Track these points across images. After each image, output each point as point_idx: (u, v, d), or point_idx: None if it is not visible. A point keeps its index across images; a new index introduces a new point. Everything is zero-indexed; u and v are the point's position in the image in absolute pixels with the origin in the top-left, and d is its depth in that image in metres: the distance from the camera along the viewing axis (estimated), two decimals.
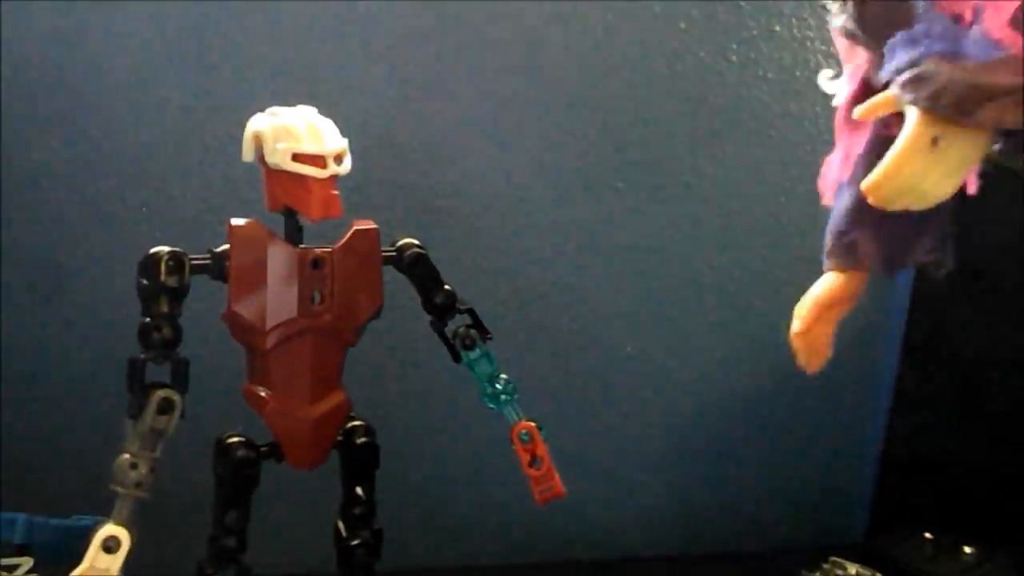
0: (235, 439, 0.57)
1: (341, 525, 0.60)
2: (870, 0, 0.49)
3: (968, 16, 0.44)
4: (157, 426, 0.54)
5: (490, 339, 0.60)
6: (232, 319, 0.56)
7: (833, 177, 0.57)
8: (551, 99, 0.81)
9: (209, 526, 0.57)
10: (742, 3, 0.83)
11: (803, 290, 0.59)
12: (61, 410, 0.77)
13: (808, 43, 0.85)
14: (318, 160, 0.54)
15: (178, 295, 0.55)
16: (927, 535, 0.82)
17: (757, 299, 0.88)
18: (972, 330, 0.86)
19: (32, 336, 0.76)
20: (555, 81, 0.81)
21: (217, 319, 0.56)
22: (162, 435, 0.54)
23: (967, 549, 0.79)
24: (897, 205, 0.47)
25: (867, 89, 0.52)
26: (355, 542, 0.59)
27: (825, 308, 0.57)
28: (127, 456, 0.53)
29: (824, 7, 0.53)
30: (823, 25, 0.84)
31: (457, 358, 0.60)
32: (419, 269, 0.59)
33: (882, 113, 0.48)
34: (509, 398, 0.60)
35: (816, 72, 0.84)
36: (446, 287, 0.60)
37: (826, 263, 0.58)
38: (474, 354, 0.60)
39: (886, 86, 0.47)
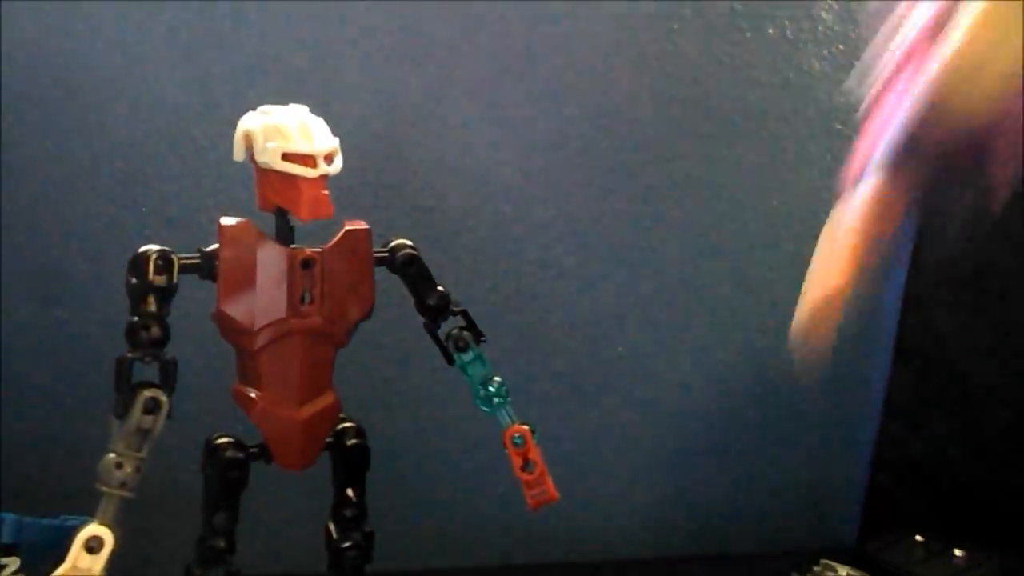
0: (224, 440, 0.56)
1: (332, 527, 0.60)
2: None
3: None
4: (143, 426, 0.53)
5: (484, 341, 0.60)
6: (221, 319, 0.55)
7: (873, 131, 0.49)
8: (543, 100, 0.81)
9: (198, 527, 0.56)
10: (735, 5, 0.83)
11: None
12: (55, 410, 0.77)
13: (801, 45, 0.85)
14: (308, 160, 0.53)
15: (166, 294, 0.54)
16: (918, 538, 0.82)
17: (749, 301, 0.88)
18: (964, 333, 0.86)
19: (27, 336, 0.76)
20: (548, 82, 0.81)
21: (207, 319, 0.55)
22: (148, 435, 0.53)
23: (958, 552, 0.79)
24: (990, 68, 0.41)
25: (937, 27, 0.46)
26: (346, 544, 0.59)
27: (867, 232, 0.47)
28: (112, 456, 0.53)
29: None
30: (816, 27, 0.84)
31: (450, 360, 0.60)
32: (412, 270, 0.59)
33: None
34: (502, 401, 0.59)
35: (809, 74, 0.84)
36: (439, 288, 0.59)
37: (865, 179, 0.48)
38: (467, 356, 0.59)
39: None
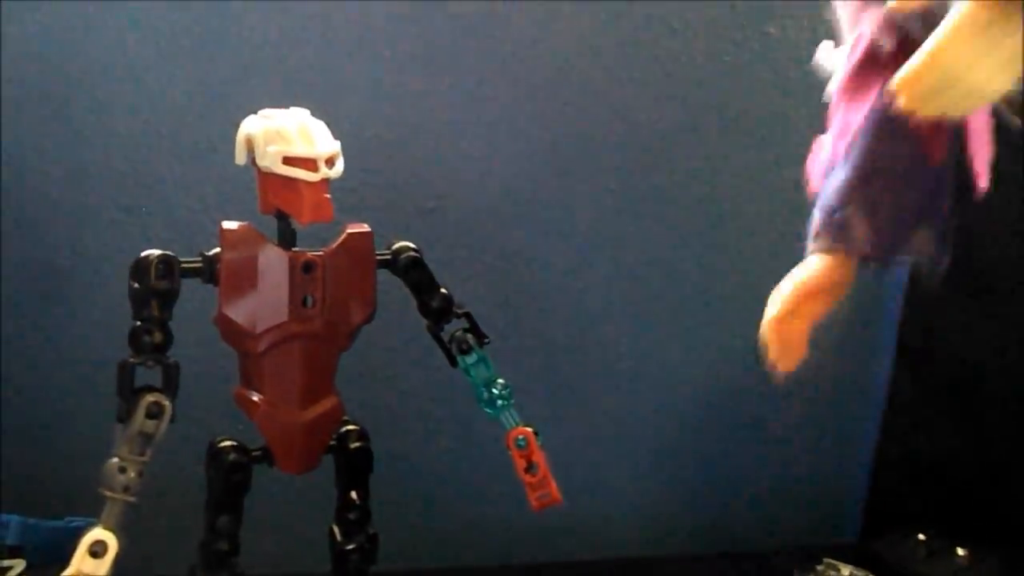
0: (226, 443, 0.57)
1: (336, 529, 0.60)
2: None
3: None
4: (146, 430, 0.53)
5: (488, 343, 0.60)
6: (223, 323, 0.55)
7: (825, 157, 0.51)
8: (544, 101, 0.81)
9: (201, 530, 0.56)
10: (735, 4, 0.83)
11: None
12: (58, 411, 0.77)
13: (801, 44, 0.85)
14: (309, 163, 0.53)
15: (169, 299, 0.54)
16: (921, 536, 0.82)
17: (750, 300, 0.87)
18: (966, 331, 0.86)
19: (27, 336, 0.76)
20: (548, 83, 0.81)
21: (209, 322, 0.55)
22: (151, 439, 0.53)
23: (960, 551, 0.79)
24: (933, 107, 0.39)
25: (872, 60, 0.47)
26: (350, 546, 0.59)
27: (806, 297, 0.50)
28: (115, 460, 0.53)
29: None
30: (816, 26, 0.84)
31: (454, 362, 0.60)
32: (414, 273, 0.59)
33: None
34: (506, 403, 0.59)
35: (810, 74, 0.84)
36: (442, 291, 0.59)
37: (811, 245, 0.51)
38: (471, 359, 0.59)
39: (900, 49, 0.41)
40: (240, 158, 0.55)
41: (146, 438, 0.53)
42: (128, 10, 0.73)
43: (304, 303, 0.56)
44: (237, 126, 0.55)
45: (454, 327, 0.60)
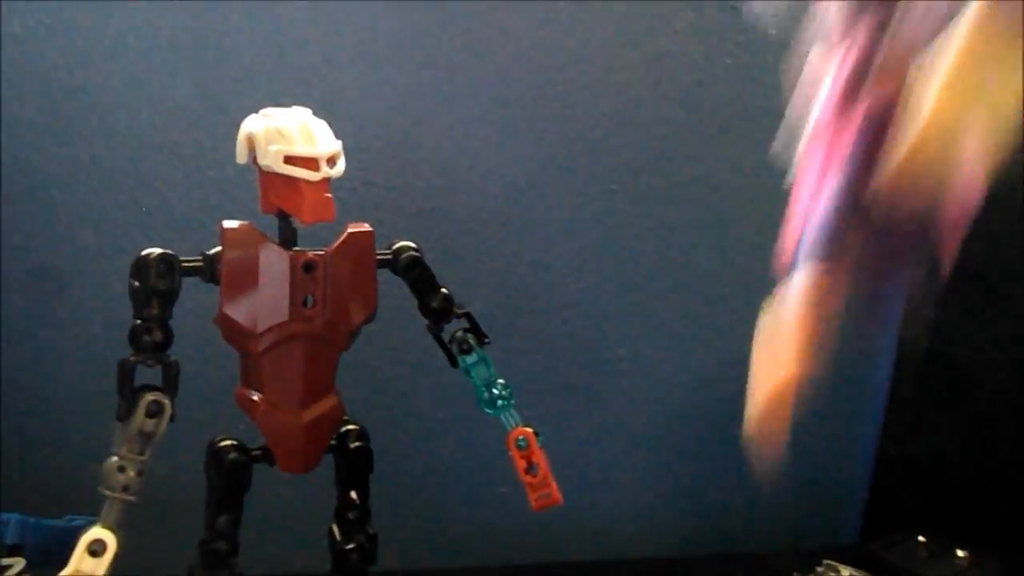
0: (226, 442, 0.56)
1: (336, 529, 0.60)
2: None
3: None
4: (146, 429, 0.53)
5: (488, 343, 0.60)
6: (224, 322, 0.55)
7: (801, 206, 0.48)
8: (545, 101, 0.81)
9: (201, 530, 0.56)
10: (736, 5, 0.83)
11: None
12: (58, 411, 0.77)
13: (802, 45, 0.85)
14: (310, 163, 0.53)
15: (169, 297, 0.54)
16: (921, 538, 0.82)
17: (750, 301, 0.87)
18: (966, 333, 0.86)
19: (28, 336, 0.76)
20: (549, 84, 0.81)
21: (209, 322, 0.55)
22: (151, 438, 0.53)
23: (960, 552, 0.79)
24: (966, 124, 0.37)
25: (861, 73, 0.45)
26: (349, 546, 0.59)
27: (780, 404, 0.47)
28: (115, 459, 0.53)
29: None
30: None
31: (454, 363, 0.60)
32: (415, 273, 0.59)
33: None
34: (506, 403, 0.59)
35: None
36: (443, 291, 0.59)
37: (801, 263, 0.47)
38: (471, 359, 0.59)
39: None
40: (241, 157, 0.55)
41: (146, 437, 0.53)
42: (128, 10, 0.73)
43: (305, 303, 0.56)
44: (238, 125, 0.55)
45: (454, 327, 0.60)
